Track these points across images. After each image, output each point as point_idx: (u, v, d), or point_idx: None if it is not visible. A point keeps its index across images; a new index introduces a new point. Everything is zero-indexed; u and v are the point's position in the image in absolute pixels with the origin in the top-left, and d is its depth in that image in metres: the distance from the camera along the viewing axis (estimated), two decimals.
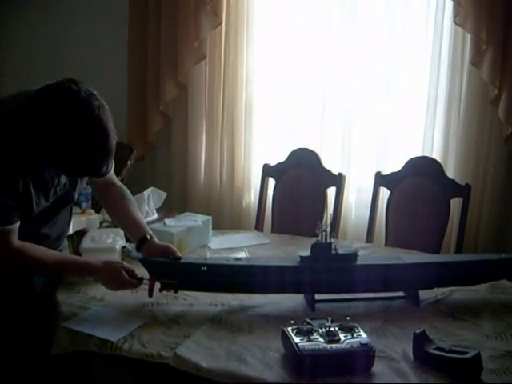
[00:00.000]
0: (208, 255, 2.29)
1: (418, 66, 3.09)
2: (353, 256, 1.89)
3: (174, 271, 1.84)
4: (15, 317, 1.75)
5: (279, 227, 2.92)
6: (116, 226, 2.16)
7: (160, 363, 1.56)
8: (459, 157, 3.04)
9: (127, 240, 2.16)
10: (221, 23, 3.22)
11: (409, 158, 2.80)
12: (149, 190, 2.76)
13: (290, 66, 3.28)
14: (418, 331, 1.55)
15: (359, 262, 1.89)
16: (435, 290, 1.96)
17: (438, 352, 1.49)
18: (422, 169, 2.75)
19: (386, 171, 2.89)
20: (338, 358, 1.46)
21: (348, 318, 1.58)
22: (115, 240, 2.15)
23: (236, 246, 2.42)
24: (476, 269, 1.99)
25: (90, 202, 2.86)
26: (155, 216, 2.73)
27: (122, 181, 2.51)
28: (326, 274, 1.85)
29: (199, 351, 1.57)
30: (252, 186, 3.43)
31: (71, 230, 2.32)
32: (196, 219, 2.46)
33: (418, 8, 3.04)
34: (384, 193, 2.91)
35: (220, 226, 3.02)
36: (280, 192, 3.01)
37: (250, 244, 2.47)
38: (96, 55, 3.64)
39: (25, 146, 1.54)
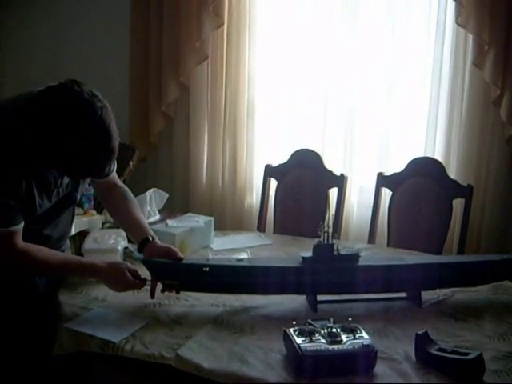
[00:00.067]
0: (210, 256, 2.28)
1: (419, 67, 3.09)
2: (355, 257, 1.89)
3: (176, 272, 1.84)
4: (17, 317, 1.75)
5: (281, 228, 2.91)
6: (118, 227, 2.16)
7: (162, 364, 1.56)
8: (461, 157, 3.04)
9: (129, 241, 2.16)
10: (223, 24, 3.23)
11: (411, 159, 2.80)
12: (151, 190, 2.76)
13: (291, 66, 3.28)
14: (419, 332, 1.55)
15: (361, 262, 1.89)
16: (437, 290, 1.96)
17: (440, 353, 1.49)
18: (424, 169, 2.75)
19: (387, 172, 2.89)
20: (339, 359, 1.46)
21: (350, 319, 1.58)
22: (117, 241, 2.15)
23: (238, 247, 2.42)
24: (478, 270, 1.99)
25: (92, 202, 2.86)
26: (157, 217, 2.73)
27: (123, 182, 2.51)
28: (328, 274, 1.85)
29: (201, 352, 1.57)
30: (254, 187, 3.43)
31: (73, 231, 2.33)
32: (198, 220, 2.46)
33: (420, 8, 3.04)
34: (386, 193, 2.91)
35: (222, 226, 3.02)
36: (282, 193, 3.01)
37: (251, 245, 2.47)
38: (97, 56, 3.65)
39: (27, 147, 1.55)
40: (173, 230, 2.29)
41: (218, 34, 3.30)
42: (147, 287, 1.83)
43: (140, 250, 1.91)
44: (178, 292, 1.85)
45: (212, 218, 2.51)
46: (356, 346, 1.47)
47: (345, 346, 1.47)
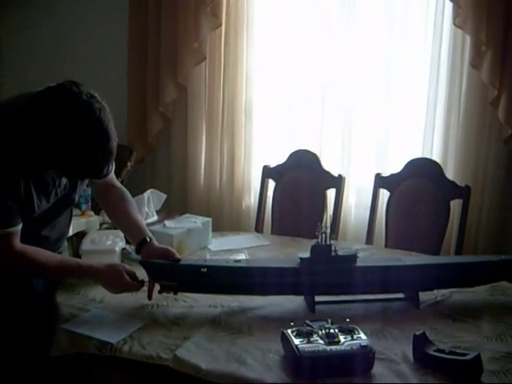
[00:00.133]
0: (208, 257, 2.29)
1: (417, 68, 3.10)
2: (353, 257, 1.89)
3: (174, 273, 1.84)
4: (15, 318, 1.74)
5: (279, 229, 2.92)
6: (116, 228, 2.16)
7: (160, 365, 1.56)
8: (459, 158, 3.04)
9: (127, 242, 2.16)
10: (220, 25, 3.23)
11: (408, 160, 2.81)
12: (148, 191, 2.76)
13: (289, 67, 3.29)
14: (417, 333, 1.55)
15: (359, 263, 1.89)
16: (435, 291, 1.96)
17: (438, 354, 1.49)
18: (422, 170, 2.75)
19: (385, 173, 2.89)
20: (337, 360, 1.46)
21: (348, 320, 1.58)
22: (115, 242, 2.14)
23: (236, 248, 2.42)
24: (476, 270, 1.99)
25: (90, 203, 2.86)
26: (155, 218, 2.73)
27: (121, 182, 2.50)
28: (326, 275, 1.85)
29: (199, 353, 1.57)
30: (252, 188, 3.44)
31: (71, 232, 2.32)
32: (196, 221, 2.46)
33: (418, 9, 3.05)
34: (384, 194, 2.91)
35: (220, 227, 3.02)
36: (280, 193, 3.01)
37: (249, 246, 2.47)
38: (96, 56, 3.65)
39: (26, 147, 1.54)
40: (171, 231, 2.29)
41: (216, 34, 3.30)
42: (145, 288, 1.83)
43: (138, 251, 1.91)
44: (175, 293, 1.85)
45: (210, 219, 2.51)
46: (354, 347, 1.47)
47: (343, 347, 1.47)
